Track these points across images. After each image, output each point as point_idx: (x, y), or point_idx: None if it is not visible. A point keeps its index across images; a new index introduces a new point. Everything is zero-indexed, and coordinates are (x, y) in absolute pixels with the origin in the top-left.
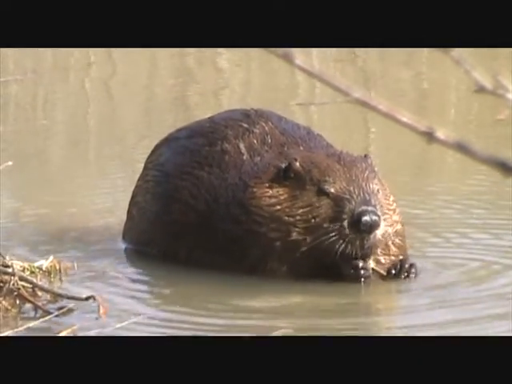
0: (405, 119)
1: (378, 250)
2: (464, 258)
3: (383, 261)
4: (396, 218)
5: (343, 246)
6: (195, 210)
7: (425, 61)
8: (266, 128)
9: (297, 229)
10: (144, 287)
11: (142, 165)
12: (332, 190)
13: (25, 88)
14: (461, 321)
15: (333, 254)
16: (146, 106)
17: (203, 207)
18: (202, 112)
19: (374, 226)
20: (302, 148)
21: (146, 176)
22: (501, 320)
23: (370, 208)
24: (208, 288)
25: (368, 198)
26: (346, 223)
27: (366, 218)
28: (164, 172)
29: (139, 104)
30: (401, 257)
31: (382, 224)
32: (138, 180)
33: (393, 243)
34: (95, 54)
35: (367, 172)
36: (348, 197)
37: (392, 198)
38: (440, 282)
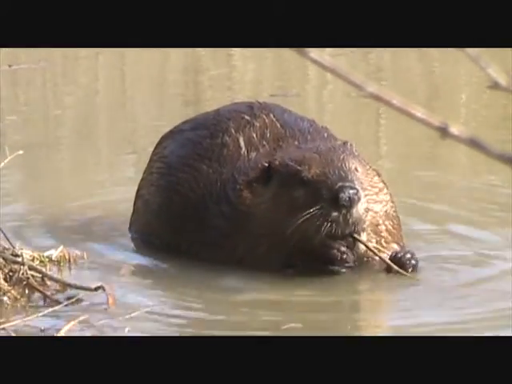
0: (419, 114)
1: (368, 230)
2: (466, 253)
3: (375, 244)
4: (384, 197)
5: (328, 226)
6: (193, 205)
7: (437, 56)
8: (267, 121)
9: (283, 224)
10: (152, 278)
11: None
12: (309, 177)
13: (36, 77)
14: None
15: (320, 237)
16: (158, 97)
17: (200, 202)
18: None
19: (353, 199)
20: (297, 142)
21: (151, 168)
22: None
23: (346, 183)
24: (212, 281)
25: (344, 174)
26: (326, 204)
27: (343, 193)
28: (167, 164)
29: (151, 95)
30: (395, 245)
31: (363, 198)
32: (144, 173)
33: (384, 225)
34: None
35: (344, 154)
36: (323, 178)
37: (378, 178)
38: (444, 278)
